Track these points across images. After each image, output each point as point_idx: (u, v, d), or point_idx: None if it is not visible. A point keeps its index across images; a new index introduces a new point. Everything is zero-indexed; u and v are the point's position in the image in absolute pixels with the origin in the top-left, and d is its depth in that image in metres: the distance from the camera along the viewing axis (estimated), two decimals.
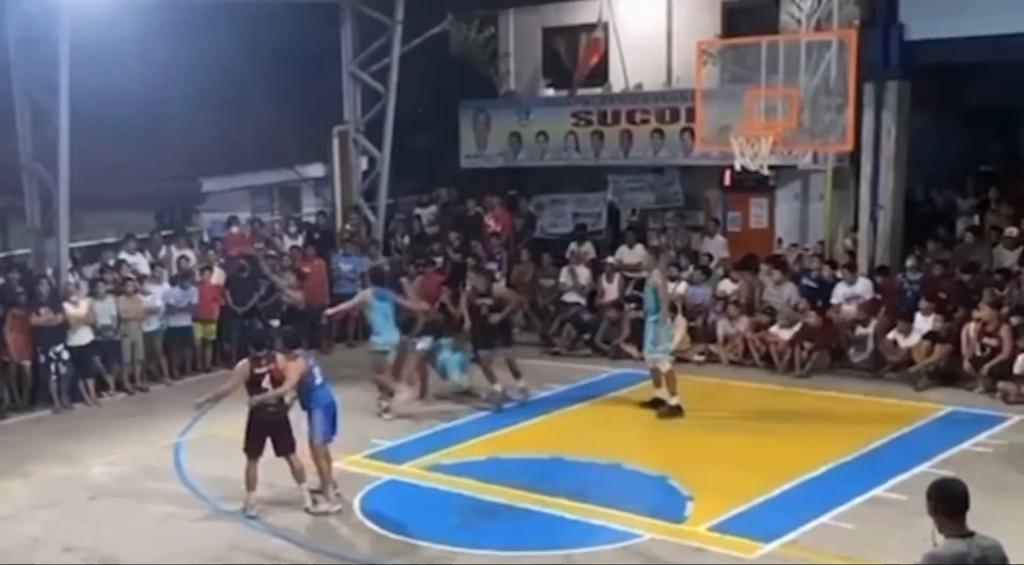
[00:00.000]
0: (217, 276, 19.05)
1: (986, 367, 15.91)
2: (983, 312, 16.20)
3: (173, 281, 18.40)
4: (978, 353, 16.08)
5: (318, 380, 12.25)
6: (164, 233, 20.33)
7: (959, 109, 20.28)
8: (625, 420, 15.54)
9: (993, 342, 15.99)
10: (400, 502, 12.49)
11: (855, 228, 19.32)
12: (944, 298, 17.16)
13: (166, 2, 18.37)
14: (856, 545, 10.78)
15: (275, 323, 18.49)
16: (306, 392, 12.20)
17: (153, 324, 17.96)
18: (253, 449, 12.00)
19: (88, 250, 19.33)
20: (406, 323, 16.46)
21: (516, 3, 23.92)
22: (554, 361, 18.67)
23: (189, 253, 19.42)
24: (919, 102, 18.79)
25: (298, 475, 12.23)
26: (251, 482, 12.04)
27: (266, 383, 11.89)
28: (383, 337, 15.71)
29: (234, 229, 21.00)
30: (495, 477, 12.90)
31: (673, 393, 15.39)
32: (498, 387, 15.97)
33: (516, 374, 16.27)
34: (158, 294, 18.06)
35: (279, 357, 12.11)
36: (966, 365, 16.23)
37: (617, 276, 19.91)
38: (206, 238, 21.37)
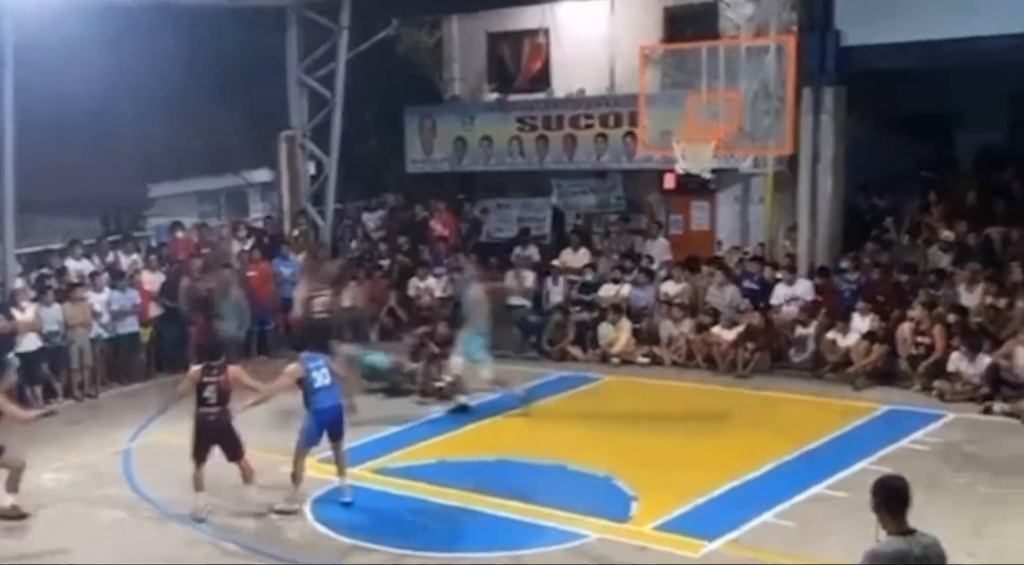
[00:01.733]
0: (153, 280, 19.09)
1: (922, 366, 16.30)
2: (917, 312, 16.62)
3: (112, 286, 18.33)
4: (913, 352, 16.49)
5: (317, 384, 12.27)
6: (111, 239, 20.31)
7: (896, 114, 20.52)
8: (570, 421, 15.71)
9: (927, 341, 16.40)
10: (352, 506, 12.47)
11: (795, 230, 19.64)
12: (881, 299, 17.53)
13: (112, 7, 18.30)
14: (798, 542, 10.96)
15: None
16: (304, 395, 12.32)
17: (96, 330, 17.89)
18: (199, 455, 12.11)
19: (34, 255, 19.26)
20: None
21: (460, 8, 24.03)
22: (500, 364, 18.64)
23: (137, 258, 19.47)
24: (857, 107, 19.13)
25: (247, 477, 12.40)
26: (198, 486, 12.14)
27: (209, 392, 12.00)
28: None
29: (179, 234, 21.02)
30: (443, 480, 13.02)
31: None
32: None
33: None
34: (100, 300, 18.00)
35: (231, 368, 12.24)
36: (902, 364, 16.63)
37: (562, 279, 20.14)
38: (153, 243, 21.36)
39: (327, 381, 12.31)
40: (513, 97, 23.14)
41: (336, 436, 12.40)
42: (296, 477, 12.36)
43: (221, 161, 22.66)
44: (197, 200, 23.24)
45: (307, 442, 12.35)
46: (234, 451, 12.26)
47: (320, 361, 12.52)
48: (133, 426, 15.56)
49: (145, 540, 11.75)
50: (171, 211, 21.96)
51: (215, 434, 12.10)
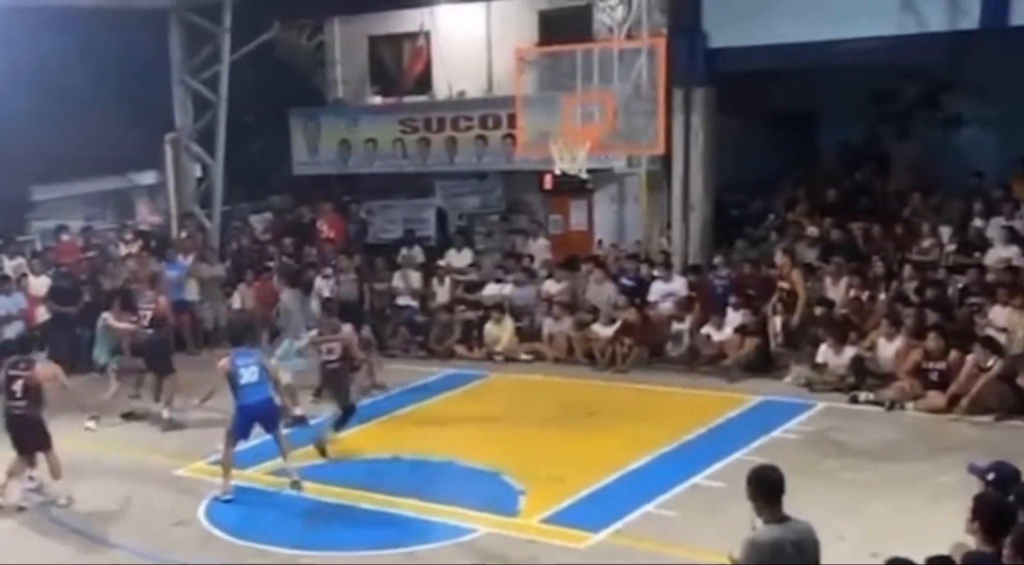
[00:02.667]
0: (39, 284, 19.03)
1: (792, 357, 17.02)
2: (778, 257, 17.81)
3: None
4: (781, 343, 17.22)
5: (243, 380, 12.68)
6: None
7: (764, 113, 21.20)
8: (459, 418, 16.00)
9: (787, 286, 17.40)
10: (245, 507, 12.71)
11: (669, 227, 20.17)
12: (752, 294, 18.19)
13: None
14: (679, 531, 11.32)
15: None
16: (231, 389, 12.76)
17: None
18: (17, 448, 12.60)
19: None
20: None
21: (341, 11, 24.15)
22: (389, 363, 18.81)
23: (22, 262, 19.39)
24: (727, 106, 19.69)
25: (54, 472, 12.72)
26: (12, 473, 12.61)
27: (17, 387, 12.42)
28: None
29: (64, 237, 20.94)
30: (337, 479, 13.21)
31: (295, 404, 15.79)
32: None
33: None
34: None
35: (38, 366, 12.60)
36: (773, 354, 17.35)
37: (447, 279, 20.49)
38: (38, 247, 21.21)
39: (254, 378, 12.73)
40: (395, 100, 23.32)
41: (270, 428, 12.92)
42: (225, 468, 12.78)
43: (106, 163, 22.48)
44: (82, 203, 23.07)
45: (233, 435, 12.79)
46: (29, 444, 12.59)
47: (250, 358, 12.94)
48: None
49: (36, 548, 11.78)
50: (55, 214, 21.80)
51: (15, 426, 12.53)
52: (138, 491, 13.26)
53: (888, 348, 16.11)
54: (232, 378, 12.75)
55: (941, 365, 15.38)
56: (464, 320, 19.76)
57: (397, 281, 20.71)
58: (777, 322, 17.61)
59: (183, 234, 22.24)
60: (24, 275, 19.04)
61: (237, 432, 12.85)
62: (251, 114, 23.94)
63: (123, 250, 21.15)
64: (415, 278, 20.73)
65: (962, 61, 18.12)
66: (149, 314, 16.41)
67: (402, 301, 20.41)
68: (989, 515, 6.63)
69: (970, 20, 16.90)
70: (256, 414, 12.83)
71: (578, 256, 20.53)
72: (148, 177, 23.70)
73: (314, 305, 18.53)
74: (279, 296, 17.73)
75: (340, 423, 14.42)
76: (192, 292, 20.38)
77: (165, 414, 15.94)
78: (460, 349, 19.40)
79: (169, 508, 12.70)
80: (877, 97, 21.03)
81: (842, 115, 21.00)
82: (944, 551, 6.97)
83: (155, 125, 22.80)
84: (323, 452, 14.03)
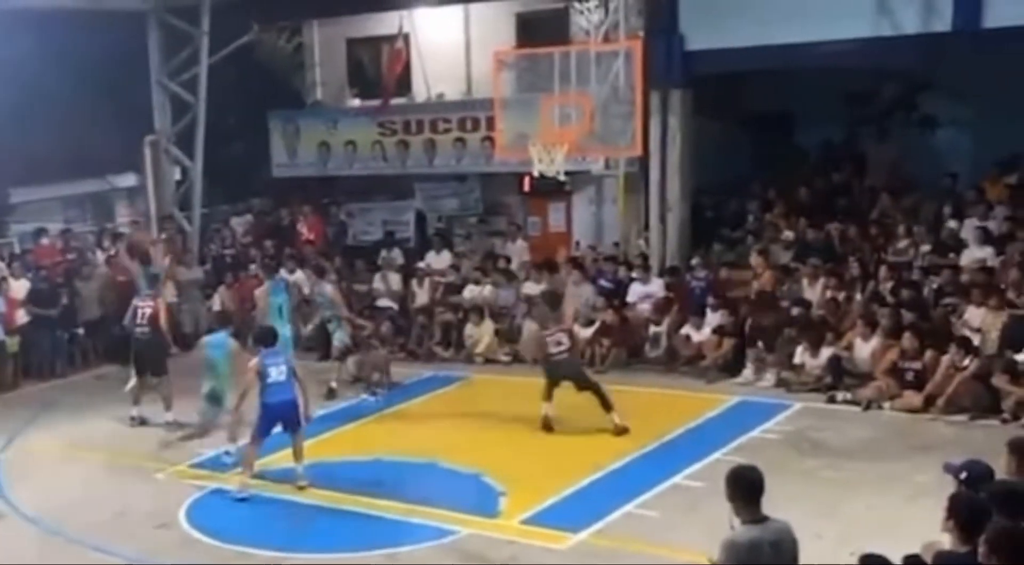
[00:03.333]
0: (19, 287, 19.00)
1: (769, 358, 17.10)
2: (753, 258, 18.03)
3: None
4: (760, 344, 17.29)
5: (270, 378, 12.86)
6: None
7: (741, 114, 21.38)
8: (441, 420, 16.07)
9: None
10: (227, 511, 12.77)
11: (647, 229, 20.23)
12: (730, 295, 18.28)
13: None
14: (659, 531, 11.44)
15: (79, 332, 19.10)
16: (260, 388, 12.92)
17: None
18: None
19: None
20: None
21: (320, 14, 24.17)
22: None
23: (1, 265, 19.37)
24: (704, 108, 19.79)
25: None
26: None
27: None
28: None
29: (44, 240, 20.92)
30: (318, 481, 13.25)
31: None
32: None
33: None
34: None
35: None
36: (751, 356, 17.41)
37: (427, 281, 20.53)
38: (16, 249, 21.18)
39: (282, 377, 12.93)
40: (375, 102, 23.32)
41: (291, 428, 13.14)
42: (247, 464, 13.02)
43: (85, 166, 22.48)
44: (61, 205, 23.06)
45: (258, 432, 13.04)
46: None
47: (280, 358, 13.15)
48: (2, 436, 15.54)
49: (12, 549, 11.80)
50: (34, 217, 21.77)
51: None
52: (119, 494, 13.31)
53: (864, 348, 16.24)
54: (261, 376, 12.93)
55: (917, 365, 15.52)
56: (444, 322, 19.80)
57: (377, 283, 20.73)
58: None
59: (162, 236, 22.20)
60: (3, 279, 18.99)
61: (261, 430, 13.05)
62: (230, 116, 23.95)
63: (100, 256, 21.11)
64: (395, 280, 20.76)
65: (937, 63, 18.31)
66: (148, 312, 16.35)
67: (382, 303, 20.40)
68: (963, 514, 6.70)
69: (943, 23, 17.05)
70: (279, 413, 13.00)
71: (555, 259, 20.50)
72: (127, 179, 23.67)
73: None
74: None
75: None
76: (169, 294, 20.32)
77: (169, 417, 15.99)
78: (440, 351, 19.47)
79: (151, 511, 12.71)
80: (854, 98, 21.19)
81: (819, 116, 21.09)
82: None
83: (134, 127, 22.72)
84: None
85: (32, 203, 21.94)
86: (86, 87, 20.89)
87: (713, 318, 17.95)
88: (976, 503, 6.87)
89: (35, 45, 19.72)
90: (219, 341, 15.46)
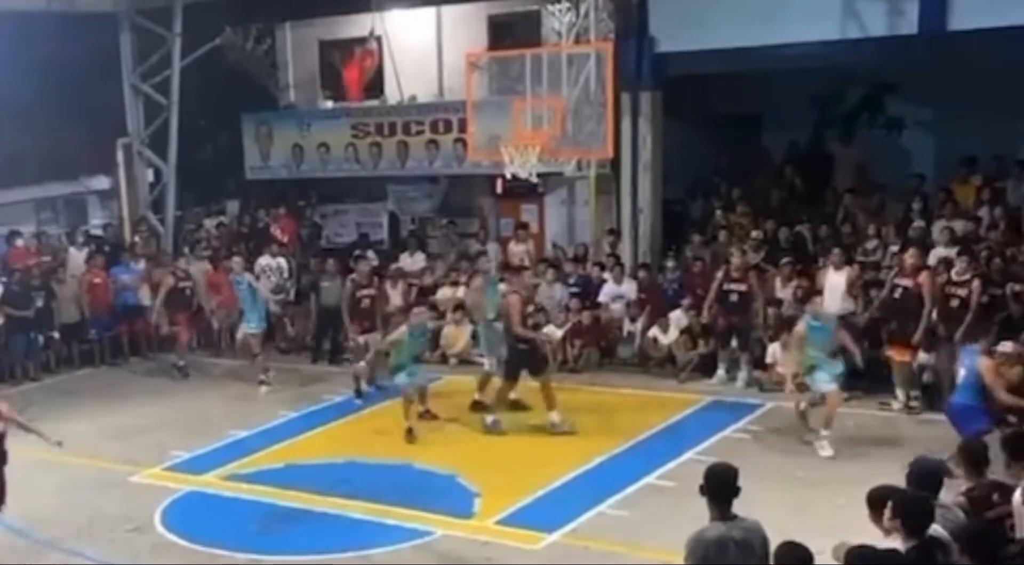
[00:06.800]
0: None
1: (742, 358, 17.25)
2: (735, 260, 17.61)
3: None
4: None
5: None
6: None
7: (710, 115, 21.52)
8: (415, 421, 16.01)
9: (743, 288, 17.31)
10: (201, 513, 12.84)
11: (612, 232, 20.30)
12: (701, 293, 18.32)
13: None
14: (632, 531, 11.55)
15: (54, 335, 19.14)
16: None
17: None
18: None
19: None
20: None
21: (292, 16, 24.16)
22: (343, 367, 18.86)
23: None
24: (674, 110, 19.93)
25: None
26: None
27: None
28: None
29: (18, 242, 20.88)
30: (293, 483, 13.34)
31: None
32: None
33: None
34: None
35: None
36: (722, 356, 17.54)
37: (401, 283, 20.53)
38: None
39: None
40: (347, 104, 23.36)
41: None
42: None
43: (58, 168, 22.47)
44: (34, 208, 22.98)
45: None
46: None
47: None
48: None
49: None
50: (7, 219, 21.68)
51: None
52: (93, 497, 13.32)
53: None
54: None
55: None
56: None
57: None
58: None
59: (136, 239, 22.18)
60: None
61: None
62: (203, 119, 23.96)
63: (73, 255, 21.06)
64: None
65: (903, 65, 18.50)
66: None
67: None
68: (906, 510, 6.84)
69: (909, 25, 17.23)
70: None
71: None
72: (101, 182, 23.64)
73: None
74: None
75: None
76: (146, 297, 20.32)
77: None
78: None
79: (125, 514, 12.72)
80: (820, 101, 21.39)
81: (786, 118, 21.28)
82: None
83: (107, 130, 22.78)
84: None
85: (5, 206, 21.79)
86: (58, 90, 20.92)
87: (682, 318, 18.02)
88: (915, 499, 7.01)
89: (6, 48, 19.67)
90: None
